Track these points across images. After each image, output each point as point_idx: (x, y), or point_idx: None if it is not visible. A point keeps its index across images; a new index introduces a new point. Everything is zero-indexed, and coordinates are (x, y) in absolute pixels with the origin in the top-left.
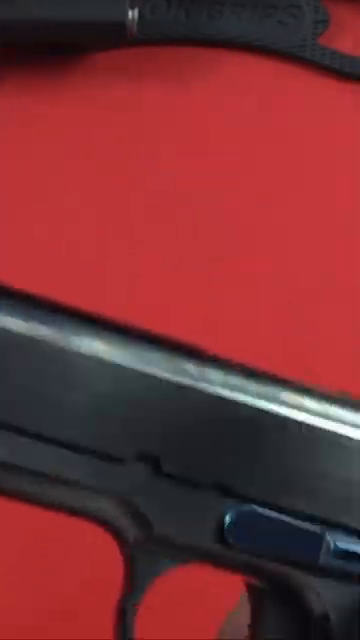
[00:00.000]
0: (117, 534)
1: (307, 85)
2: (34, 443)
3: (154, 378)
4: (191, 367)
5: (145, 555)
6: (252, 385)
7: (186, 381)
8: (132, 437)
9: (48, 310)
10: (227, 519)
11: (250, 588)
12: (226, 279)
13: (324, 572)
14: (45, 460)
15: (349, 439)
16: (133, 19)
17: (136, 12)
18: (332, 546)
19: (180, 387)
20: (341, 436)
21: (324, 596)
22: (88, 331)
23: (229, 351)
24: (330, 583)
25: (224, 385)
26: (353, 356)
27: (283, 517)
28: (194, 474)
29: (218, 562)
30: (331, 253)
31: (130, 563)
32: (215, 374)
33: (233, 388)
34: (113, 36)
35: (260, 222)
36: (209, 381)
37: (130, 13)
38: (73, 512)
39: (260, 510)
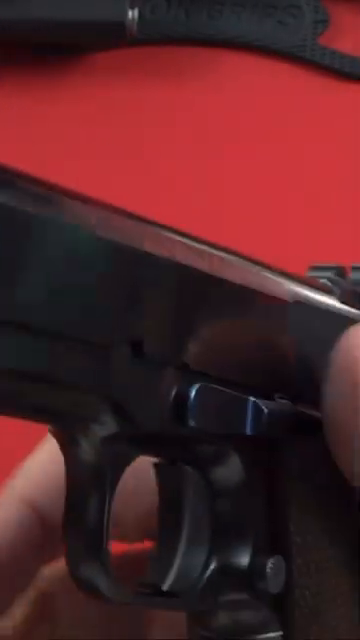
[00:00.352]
0: (83, 431)
1: (307, 85)
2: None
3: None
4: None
5: (111, 449)
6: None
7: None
8: (120, 321)
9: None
10: (190, 398)
11: (162, 467)
12: None
13: (254, 441)
14: (22, 353)
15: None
16: (133, 19)
17: (136, 12)
18: (265, 412)
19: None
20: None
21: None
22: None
23: None
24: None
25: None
26: None
27: (228, 390)
28: (166, 354)
29: (171, 445)
30: (331, 253)
31: (100, 459)
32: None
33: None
34: (113, 36)
35: (260, 222)
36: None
37: (130, 13)
38: (41, 411)
39: (213, 386)
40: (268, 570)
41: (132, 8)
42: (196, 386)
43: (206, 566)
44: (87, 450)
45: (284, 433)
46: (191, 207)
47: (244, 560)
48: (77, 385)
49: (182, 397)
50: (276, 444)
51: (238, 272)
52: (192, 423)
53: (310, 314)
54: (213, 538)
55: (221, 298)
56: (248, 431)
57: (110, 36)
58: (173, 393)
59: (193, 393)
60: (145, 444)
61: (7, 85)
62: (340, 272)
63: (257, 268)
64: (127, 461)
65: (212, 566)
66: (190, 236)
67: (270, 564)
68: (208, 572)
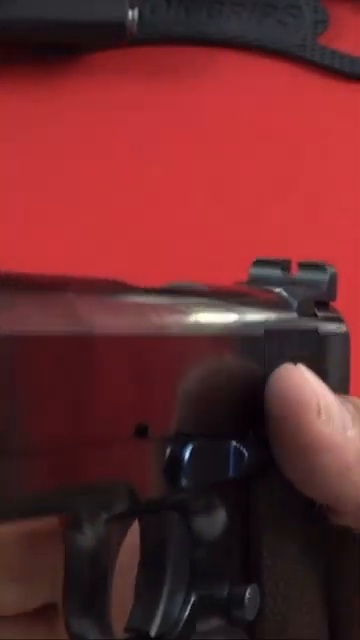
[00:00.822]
0: (88, 514)
1: (307, 85)
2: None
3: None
4: (154, 317)
5: (113, 525)
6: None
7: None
8: (131, 410)
9: None
10: (184, 461)
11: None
12: (225, 278)
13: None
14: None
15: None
16: (133, 19)
17: (136, 12)
18: (245, 455)
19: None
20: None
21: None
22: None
23: None
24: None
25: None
26: (354, 356)
27: (213, 441)
28: (167, 430)
29: (162, 502)
30: (331, 253)
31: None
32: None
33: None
34: (113, 36)
35: (260, 222)
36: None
37: (130, 13)
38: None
39: (201, 443)
40: (246, 600)
41: (132, 8)
42: (188, 448)
43: (186, 602)
44: (89, 531)
45: (260, 470)
46: (191, 207)
47: (222, 592)
48: (97, 481)
49: (176, 462)
50: (252, 481)
51: (199, 318)
52: (186, 483)
53: (278, 339)
54: (193, 577)
55: (196, 355)
56: (231, 475)
57: (110, 36)
58: (168, 459)
59: (187, 456)
60: (142, 510)
61: (7, 85)
62: (285, 266)
63: (215, 305)
64: (126, 529)
65: (192, 601)
66: (126, 292)
67: (248, 594)
68: (188, 607)
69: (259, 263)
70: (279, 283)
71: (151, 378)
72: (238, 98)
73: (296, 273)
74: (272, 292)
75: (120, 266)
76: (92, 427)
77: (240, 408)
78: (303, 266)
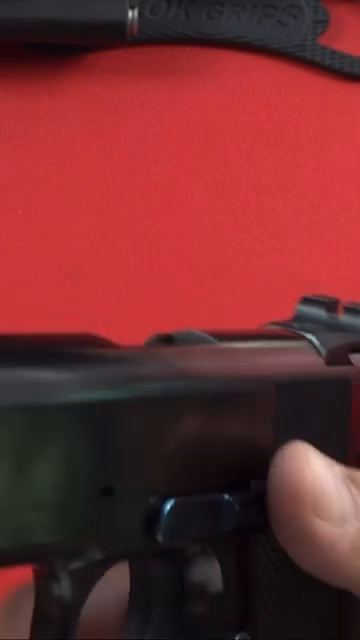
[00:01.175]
0: (61, 565)
1: (307, 85)
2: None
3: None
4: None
5: (84, 574)
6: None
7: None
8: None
9: None
10: (162, 517)
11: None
12: (226, 278)
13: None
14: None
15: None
16: (133, 19)
17: (136, 12)
18: (237, 507)
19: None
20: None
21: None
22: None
23: None
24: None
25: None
26: None
27: (200, 496)
28: (136, 491)
29: (143, 555)
30: (331, 252)
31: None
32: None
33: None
34: (113, 36)
35: (260, 222)
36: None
37: (130, 13)
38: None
39: (185, 499)
40: None
41: (132, 8)
42: (168, 505)
43: None
44: (62, 579)
45: (258, 521)
46: (191, 207)
47: (212, 636)
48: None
49: (154, 518)
50: (249, 532)
51: (202, 370)
52: (164, 539)
53: (294, 392)
54: (181, 623)
55: (191, 411)
56: (222, 528)
57: (110, 36)
58: (143, 516)
59: (165, 513)
60: (119, 559)
61: (7, 85)
62: (332, 307)
63: (213, 358)
64: (99, 576)
65: None
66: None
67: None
68: None
69: (306, 301)
70: (322, 324)
71: (120, 441)
72: (238, 98)
73: (341, 315)
74: (301, 338)
75: (120, 266)
76: (58, 488)
77: (239, 462)
78: (348, 309)
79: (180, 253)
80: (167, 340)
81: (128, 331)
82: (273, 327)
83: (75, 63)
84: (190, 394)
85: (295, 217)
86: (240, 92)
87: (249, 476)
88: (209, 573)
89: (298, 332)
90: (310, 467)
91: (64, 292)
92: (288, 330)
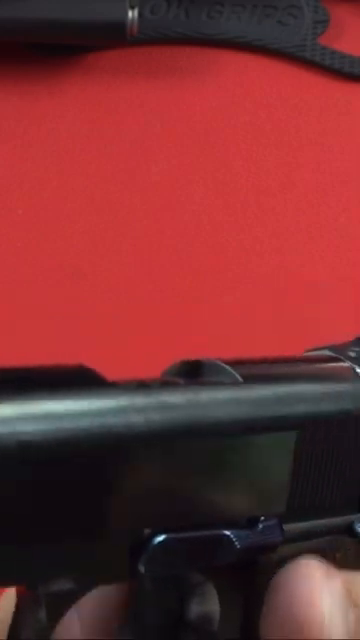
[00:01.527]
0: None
1: (307, 85)
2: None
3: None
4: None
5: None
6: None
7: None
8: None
9: None
10: (147, 551)
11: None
12: (226, 278)
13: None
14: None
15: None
16: (133, 19)
17: (136, 12)
18: (237, 544)
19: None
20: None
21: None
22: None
23: (227, 352)
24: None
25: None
26: None
27: (195, 533)
28: (118, 527)
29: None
30: (331, 252)
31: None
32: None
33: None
34: (113, 36)
35: (260, 222)
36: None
37: (130, 13)
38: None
39: (176, 536)
40: None
41: (132, 8)
42: (157, 539)
43: None
44: (42, 601)
45: (260, 555)
46: (191, 207)
47: None
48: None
49: (140, 550)
50: (250, 566)
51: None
52: (145, 570)
53: (322, 430)
54: None
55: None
56: (220, 563)
57: (110, 36)
58: (131, 546)
59: (152, 545)
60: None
61: (7, 85)
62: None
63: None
64: (75, 600)
65: None
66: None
67: None
68: None
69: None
70: None
71: (107, 483)
72: (238, 98)
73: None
74: (343, 367)
75: (120, 266)
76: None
77: (245, 495)
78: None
79: (180, 253)
80: (191, 370)
81: (128, 331)
82: (326, 353)
83: (75, 63)
84: (203, 436)
85: (295, 217)
86: (240, 92)
87: (259, 511)
88: (207, 606)
89: (341, 362)
90: (315, 593)
91: (64, 292)
92: (325, 358)
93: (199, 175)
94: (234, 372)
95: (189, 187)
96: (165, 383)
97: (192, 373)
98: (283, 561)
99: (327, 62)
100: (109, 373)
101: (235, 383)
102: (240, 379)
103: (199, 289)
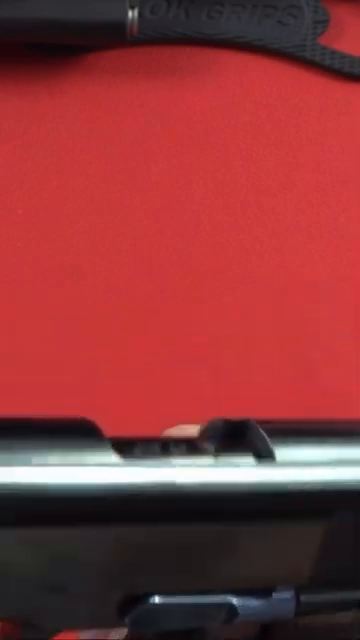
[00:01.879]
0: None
1: (307, 85)
2: None
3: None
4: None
5: None
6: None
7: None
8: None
9: None
10: (135, 609)
11: None
12: (226, 278)
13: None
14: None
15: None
16: (133, 19)
17: (136, 12)
18: (239, 614)
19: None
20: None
21: None
22: None
23: (227, 352)
24: None
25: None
26: (354, 355)
27: (184, 599)
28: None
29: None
30: (331, 252)
31: None
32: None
33: None
34: (113, 36)
35: (260, 222)
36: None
37: (130, 13)
38: None
39: (161, 600)
40: None
41: (132, 8)
42: (150, 600)
43: None
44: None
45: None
46: (191, 207)
47: None
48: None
49: (130, 608)
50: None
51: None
52: (130, 625)
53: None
54: None
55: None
56: (222, 624)
57: (110, 36)
58: (123, 602)
59: (144, 605)
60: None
61: (7, 85)
62: None
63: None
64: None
65: None
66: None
67: None
68: None
69: None
70: None
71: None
72: (238, 98)
73: None
74: None
75: (120, 266)
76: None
77: (263, 568)
78: None
79: (180, 253)
80: (229, 432)
81: (128, 331)
82: None
83: (75, 63)
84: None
85: (295, 217)
86: (240, 92)
87: (275, 580)
88: None
89: None
90: None
91: (64, 292)
92: None
93: (199, 175)
94: (269, 442)
95: (189, 187)
96: (190, 450)
97: (229, 434)
98: (299, 629)
99: (327, 62)
100: (109, 373)
101: (266, 462)
102: (273, 450)
103: (199, 289)
